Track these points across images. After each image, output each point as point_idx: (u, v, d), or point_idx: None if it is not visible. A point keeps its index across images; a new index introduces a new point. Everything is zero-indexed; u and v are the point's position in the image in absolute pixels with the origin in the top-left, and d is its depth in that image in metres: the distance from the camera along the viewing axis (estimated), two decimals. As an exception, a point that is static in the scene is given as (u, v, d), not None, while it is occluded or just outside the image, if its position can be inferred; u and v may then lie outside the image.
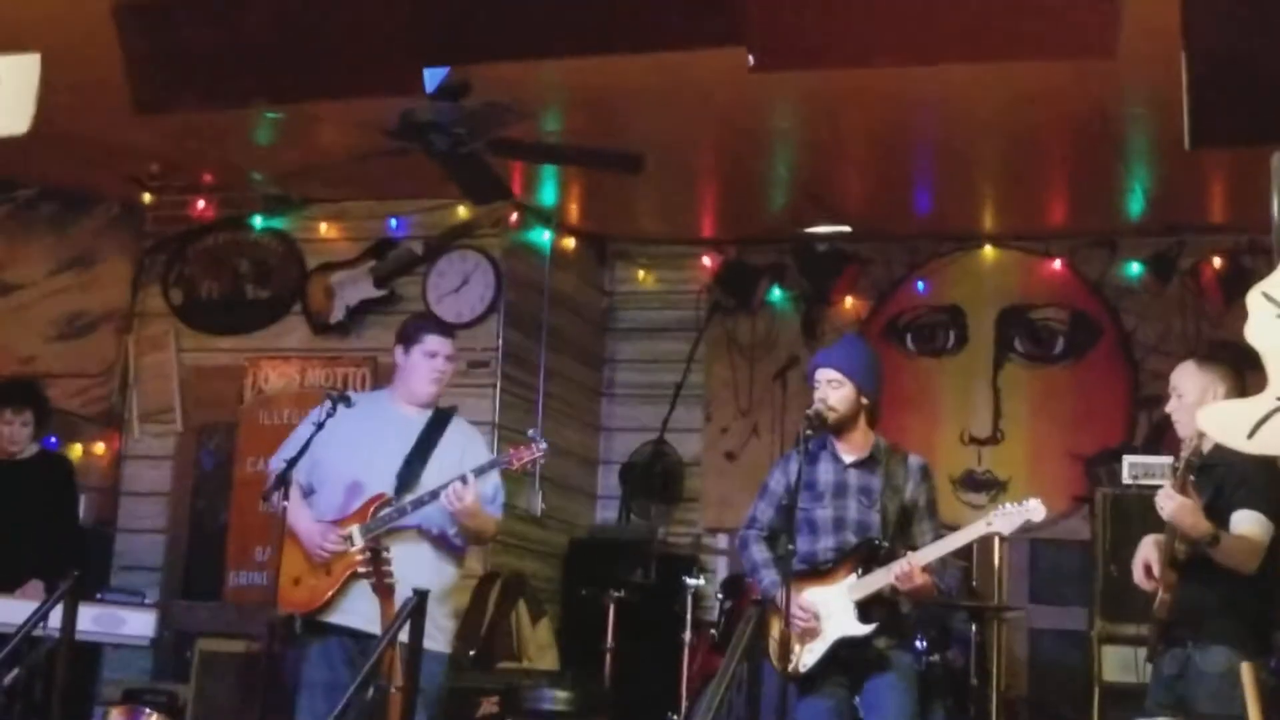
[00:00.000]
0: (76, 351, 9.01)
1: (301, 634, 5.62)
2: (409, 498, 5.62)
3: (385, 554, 5.49)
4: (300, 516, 5.68)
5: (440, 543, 5.72)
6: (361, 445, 5.71)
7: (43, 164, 8.28)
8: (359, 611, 5.54)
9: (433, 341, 5.85)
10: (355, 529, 5.59)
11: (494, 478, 5.77)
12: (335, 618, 5.60)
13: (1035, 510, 5.46)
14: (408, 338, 5.89)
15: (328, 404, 5.68)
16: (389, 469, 5.69)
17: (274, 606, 5.67)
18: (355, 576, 5.55)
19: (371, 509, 5.62)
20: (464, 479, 5.53)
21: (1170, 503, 4.94)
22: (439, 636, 5.69)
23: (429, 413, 5.87)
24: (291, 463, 5.55)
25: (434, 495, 5.56)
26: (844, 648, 5.51)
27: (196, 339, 8.97)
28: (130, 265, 9.10)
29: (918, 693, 5.69)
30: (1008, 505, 5.54)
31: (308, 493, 5.78)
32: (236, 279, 8.97)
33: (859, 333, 8.69)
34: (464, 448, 5.84)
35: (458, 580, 5.90)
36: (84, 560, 6.97)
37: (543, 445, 5.76)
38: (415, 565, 5.57)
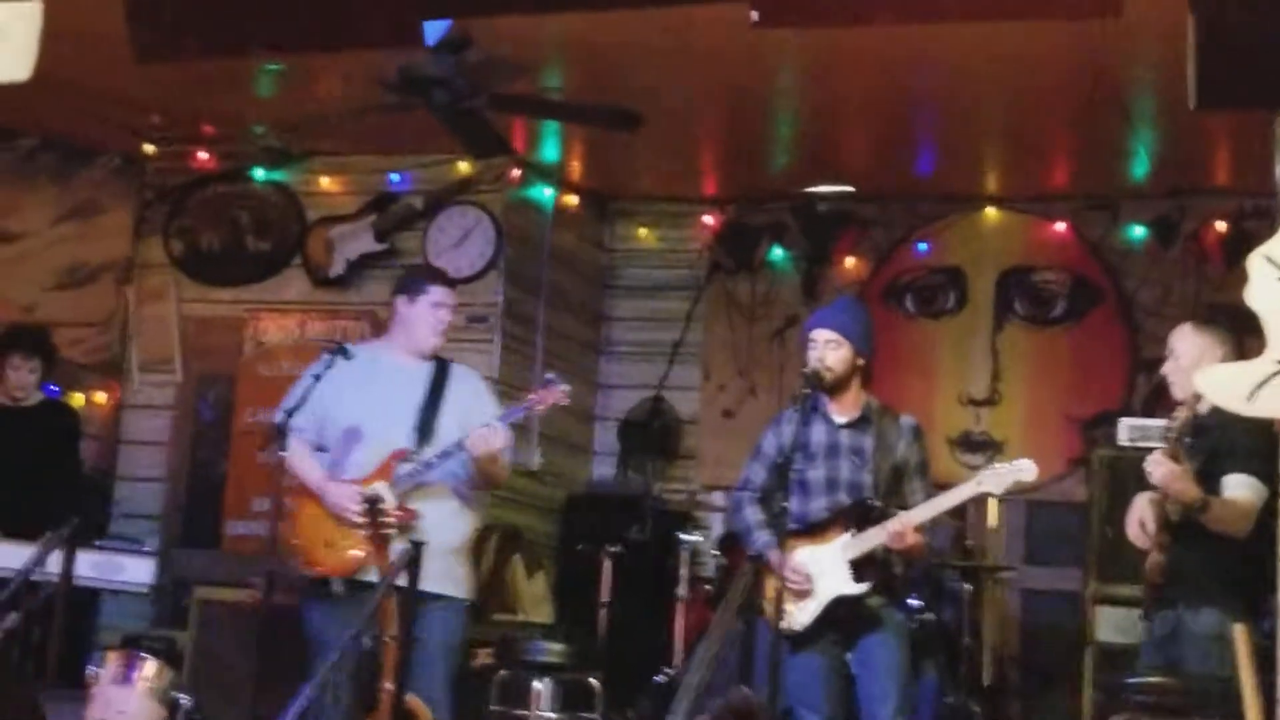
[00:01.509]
0: (77, 301, 9.02)
1: (344, 593, 5.58)
2: (430, 451, 5.58)
3: (381, 505, 5.49)
4: (318, 476, 5.64)
5: (459, 495, 5.71)
6: (370, 399, 5.66)
7: (44, 114, 8.27)
8: None
9: (438, 293, 5.81)
10: (381, 487, 5.53)
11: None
12: (373, 575, 5.55)
13: (1026, 470, 5.45)
14: (412, 289, 5.85)
15: (326, 356, 5.66)
16: (404, 421, 5.65)
17: (277, 560, 5.69)
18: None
19: (393, 464, 5.59)
20: (490, 425, 5.51)
21: (1160, 469, 4.95)
22: (467, 587, 5.76)
23: (430, 363, 5.85)
24: (290, 413, 5.53)
25: (460, 446, 5.53)
26: (838, 606, 5.52)
27: (196, 290, 8.98)
28: (131, 216, 9.11)
29: (909, 650, 5.71)
30: (999, 465, 5.54)
31: (317, 449, 5.74)
32: (237, 231, 8.97)
33: (857, 295, 8.70)
34: (474, 394, 5.82)
35: (475, 532, 5.89)
36: (84, 507, 7.00)
37: (563, 387, 5.70)
38: (442, 518, 5.59)
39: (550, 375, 5.78)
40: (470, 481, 5.70)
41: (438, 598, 5.51)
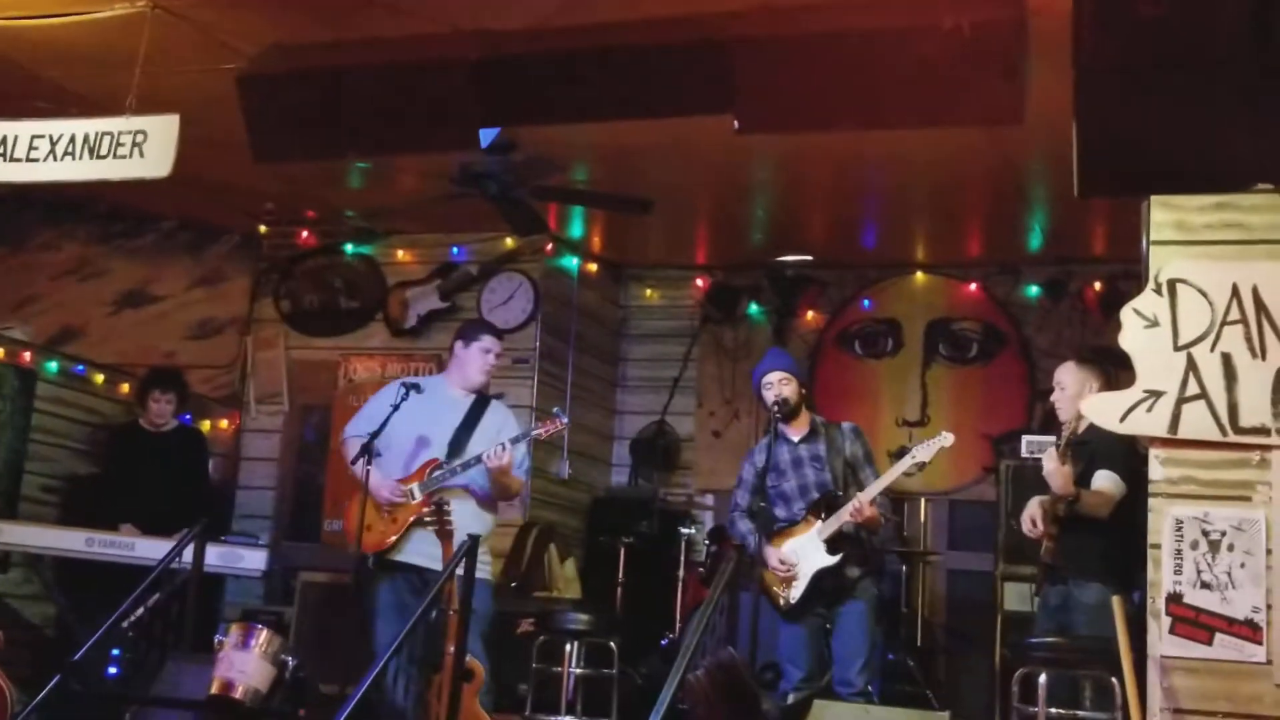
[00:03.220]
0: (207, 348, 9.04)
1: (374, 569, 5.61)
2: (457, 461, 5.62)
3: (447, 507, 5.50)
4: (369, 474, 5.66)
5: (479, 498, 5.72)
6: (421, 419, 5.69)
7: (181, 202, 8.30)
8: (420, 552, 5.52)
9: (488, 340, 5.84)
10: (415, 486, 5.59)
11: (522, 450, 5.75)
12: (401, 556, 5.57)
13: (946, 439, 5.54)
14: (468, 335, 5.87)
15: (402, 390, 5.67)
16: (443, 438, 5.69)
17: (351, 547, 5.70)
18: (416, 523, 5.54)
19: (427, 470, 5.62)
20: (503, 445, 5.53)
21: (1051, 463, 4.99)
22: (485, 569, 5.72)
23: (474, 396, 5.86)
24: (374, 436, 5.57)
25: (478, 459, 5.56)
26: (822, 578, 5.54)
27: (300, 339, 8.96)
28: (249, 281, 9.11)
29: (877, 618, 5.72)
30: (927, 441, 5.57)
31: (376, 455, 5.76)
32: (332, 293, 8.97)
33: (819, 344, 8.77)
34: (501, 423, 5.83)
35: (494, 526, 5.88)
36: (211, 510, 7.01)
37: (564, 420, 5.76)
38: (462, 515, 5.59)
39: (556, 409, 5.82)
40: (488, 490, 5.71)
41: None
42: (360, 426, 5.80)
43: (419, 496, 5.56)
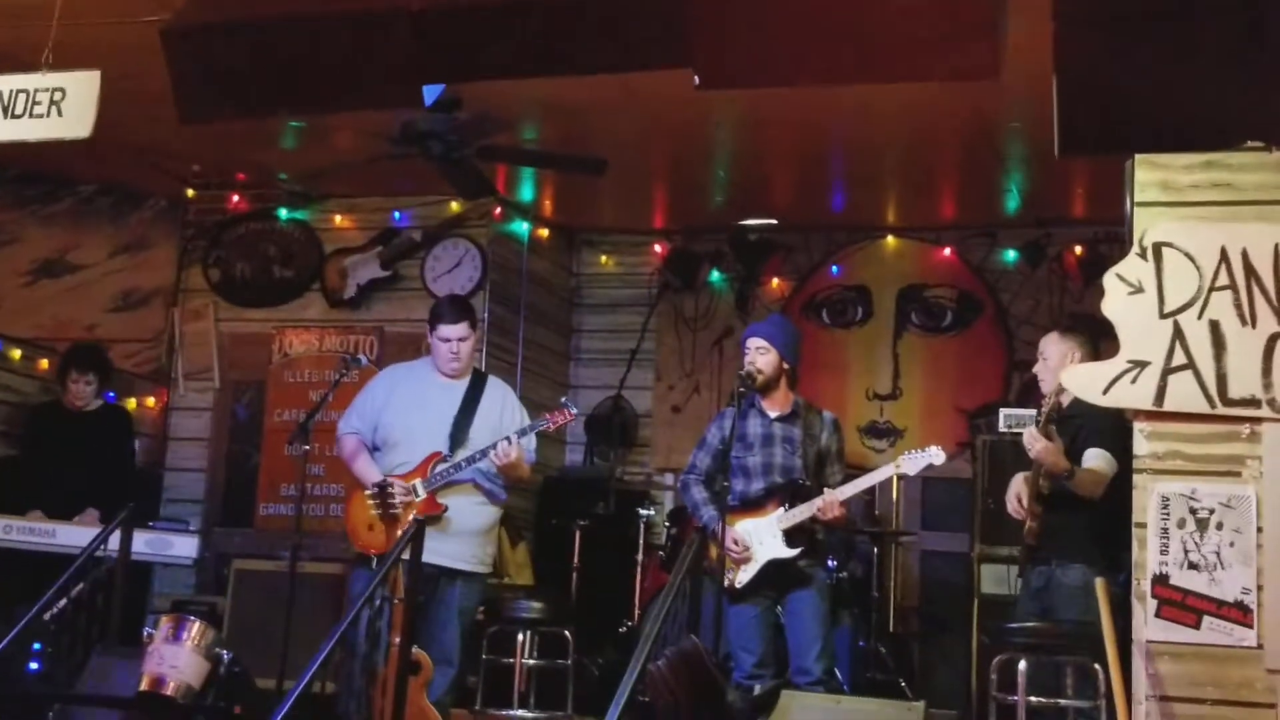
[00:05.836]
0: (131, 321, 8.94)
1: (378, 568, 5.58)
2: (462, 455, 5.61)
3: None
4: (370, 473, 5.67)
5: (485, 490, 5.71)
6: (415, 410, 5.71)
7: (102, 165, 8.20)
8: (428, 548, 5.45)
9: (443, 329, 5.80)
10: (418, 483, 5.58)
11: (530, 435, 5.74)
12: (407, 554, 5.52)
13: (936, 455, 5.52)
14: (430, 324, 5.86)
15: (388, 378, 5.84)
16: (441, 429, 5.67)
17: (351, 548, 5.73)
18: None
19: (430, 465, 5.60)
20: (509, 440, 5.52)
21: (1037, 444, 5.01)
22: (485, 563, 5.76)
23: (468, 378, 5.84)
24: (309, 417, 5.57)
25: (484, 453, 5.56)
26: (773, 567, 5.54)
27: (231, 311, 8.89)
28: (176, 249, 9.02)
29: (829, 603, 5.74)
30: (915, 451, 5.57)
31: (374, 450, 5.76)
32: (265, 261, 8.89)
33: (783, 312, 8.73)
34: (502, 404, 5.83)
35: (499, 518, 5.89)
36: (138, 494, 6.95)
37: (573, 410, 5.81)
38: (469, 508, 5.62)
39: (565, 399, 5.86)
40: (497, 480, 5.71)
41: (462, 573, 5.60)
42: (352, 422, 5.82)
43: (423, 494, 5.56)
